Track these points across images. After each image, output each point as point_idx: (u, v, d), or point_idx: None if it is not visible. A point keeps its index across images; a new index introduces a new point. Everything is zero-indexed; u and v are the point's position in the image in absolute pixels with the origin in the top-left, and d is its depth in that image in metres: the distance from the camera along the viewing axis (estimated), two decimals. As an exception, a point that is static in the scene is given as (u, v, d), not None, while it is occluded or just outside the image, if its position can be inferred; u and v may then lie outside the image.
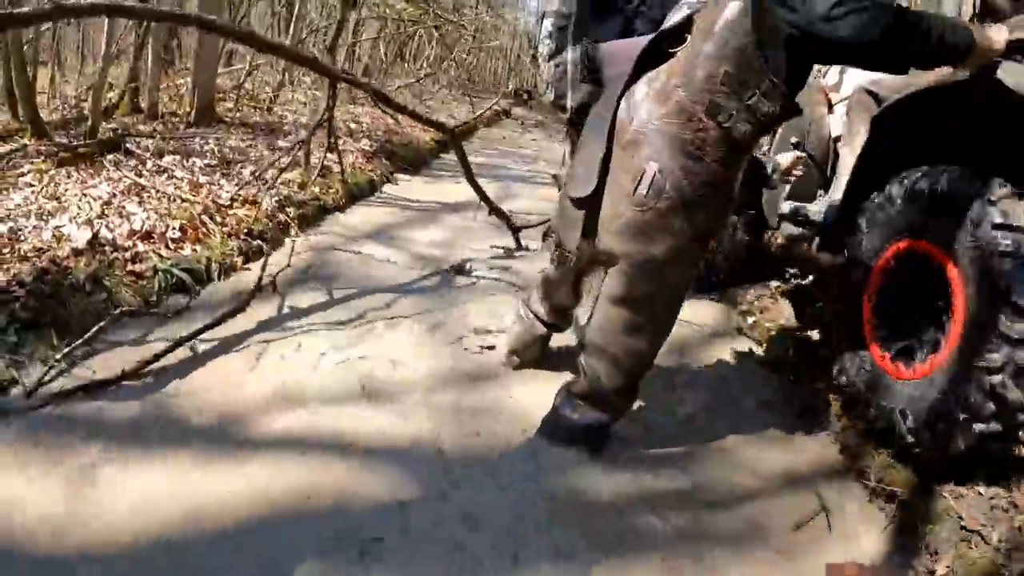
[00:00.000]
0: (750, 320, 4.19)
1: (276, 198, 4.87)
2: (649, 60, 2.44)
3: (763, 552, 2.43)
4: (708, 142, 2.31)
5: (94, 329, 2.96)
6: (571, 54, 3.11)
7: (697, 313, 4.17)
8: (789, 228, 3.86)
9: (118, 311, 3.17)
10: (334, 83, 4.56)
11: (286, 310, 3.63)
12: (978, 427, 2.35)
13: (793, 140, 3.65)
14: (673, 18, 2.47)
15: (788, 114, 2.35)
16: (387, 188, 6.62)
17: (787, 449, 3.06)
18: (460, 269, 4.49)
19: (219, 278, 3.91)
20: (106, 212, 4.15)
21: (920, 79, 2.79)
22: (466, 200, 5.83)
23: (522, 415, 2.92)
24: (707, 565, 2.31)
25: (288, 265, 4.02)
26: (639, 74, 2.46)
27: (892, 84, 3.08)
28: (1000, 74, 2.37)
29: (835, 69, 3.84)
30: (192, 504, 2.17)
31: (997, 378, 2.28)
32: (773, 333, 3.92)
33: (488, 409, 2.97)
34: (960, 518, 2.46)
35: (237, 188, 4.82)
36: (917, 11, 2.41)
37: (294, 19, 9.79)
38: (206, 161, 5.67)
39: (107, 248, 3.66)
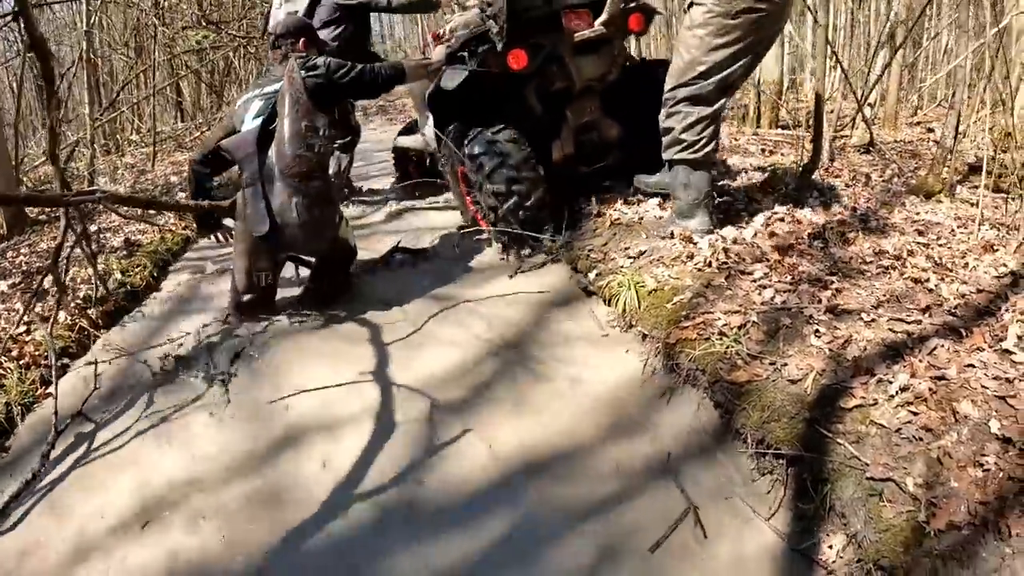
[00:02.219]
0: (592, 274, 3.74)
1: (75, 302, 4.29)
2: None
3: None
4: (316, 170, 3.69)
5: None
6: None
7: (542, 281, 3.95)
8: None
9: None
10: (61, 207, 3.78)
11: (82, 448, 3.15)
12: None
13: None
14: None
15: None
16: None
17: (642, 429, 2.69)
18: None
19: (23, 419, 3.39)
20: None
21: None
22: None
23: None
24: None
25: (96, 387, 3.51)
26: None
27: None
28: (446, 76, 4.42)
29: None
30: None
31: (491, 200, 4.28)
32: (617, 285, 3.44)
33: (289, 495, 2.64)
34: (865, 466, 2.05)
35: (26, 310, 4.20)
36: (360, 67, 3.81)
37: (87, 81, 8.99)
38: (9, 283, 5.04)
39: None
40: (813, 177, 4.48)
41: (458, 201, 4.96)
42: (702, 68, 3.46)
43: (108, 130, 10.87)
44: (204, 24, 9.97)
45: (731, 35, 3.38)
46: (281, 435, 2.97)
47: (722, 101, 3.63)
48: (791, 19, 7.82)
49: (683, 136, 3.60)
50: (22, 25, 3.77)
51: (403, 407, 2.99)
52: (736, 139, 6.00)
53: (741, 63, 3.49)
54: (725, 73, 3.46)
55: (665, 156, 3.73)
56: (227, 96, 12.06)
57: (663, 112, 3.66)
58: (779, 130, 6.68)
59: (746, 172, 4.76)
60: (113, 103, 10.54)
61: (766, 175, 4.60)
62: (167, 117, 12.21)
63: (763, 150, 5.47)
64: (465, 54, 4.36)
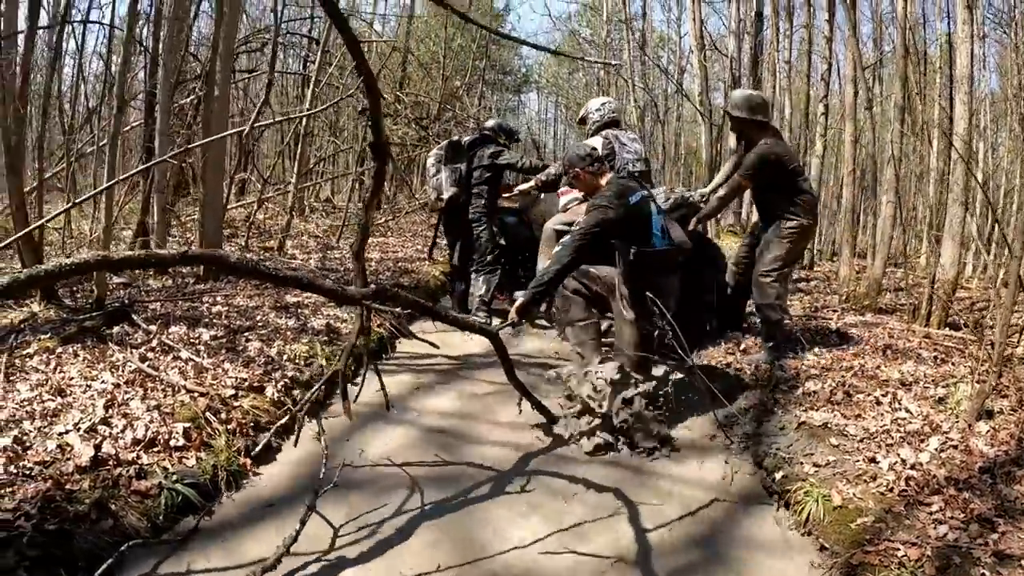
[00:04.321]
0: (778, 475, 3.95)
1: (283, 380, 4.69)
2: None
3: None
4: None
5: (102, 568, 2.83)
6: (443, 173, 7.24)
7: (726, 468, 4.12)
8: None
9: (124, 547, 3.01)
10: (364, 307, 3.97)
11: (317, 549, 3.31)
12: None
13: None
14: None
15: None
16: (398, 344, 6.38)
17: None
18: None
19: (226, 488, 3.72)
20: (109, 412, 4.01)
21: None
22: (478, 351, 6.01)
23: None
24: None
25: (333, 484, 3.60)
26: None
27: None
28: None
29: None
30: None
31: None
32: (804, 494, 3.66)
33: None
34: None
35: (241, 375, 4.65)
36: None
37: (299, 154, 9.87)
38: (212, 333, 5.56)
39: (111, 463, 3.55)
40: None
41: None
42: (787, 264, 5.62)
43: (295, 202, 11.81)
44: (415, 124, 10.81)
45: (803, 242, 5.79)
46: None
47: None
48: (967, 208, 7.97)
49: (776, 301, 5.50)
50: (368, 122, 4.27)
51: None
52: (909, 340, 6.06)
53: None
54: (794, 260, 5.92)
55: (767, 315, 5.55)
56: (414, 186, 12.93)
57: (763, 290, 5.55)
58: (948, 330, 6.68)
59: (920, 383, 4.85)
60: (308, 172, 11.46)
61: (939, 389, 4.69)
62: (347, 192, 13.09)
63: (935, 357, 5.52)
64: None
